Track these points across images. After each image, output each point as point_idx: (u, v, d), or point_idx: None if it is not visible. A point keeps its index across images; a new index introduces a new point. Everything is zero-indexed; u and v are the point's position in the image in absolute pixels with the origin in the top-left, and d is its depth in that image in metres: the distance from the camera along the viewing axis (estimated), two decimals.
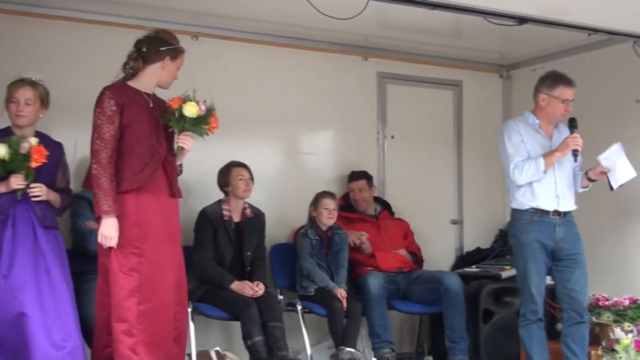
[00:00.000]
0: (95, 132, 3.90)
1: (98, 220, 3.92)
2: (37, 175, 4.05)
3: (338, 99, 6.14)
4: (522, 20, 4.92)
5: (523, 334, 4.82)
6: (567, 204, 4.80)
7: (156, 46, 4.04)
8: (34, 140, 4.02)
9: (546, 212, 4.75)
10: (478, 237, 6.58)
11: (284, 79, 5.90)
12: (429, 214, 6.35)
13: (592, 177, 4.79)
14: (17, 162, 3.96)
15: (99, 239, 3.87)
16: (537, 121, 4.85)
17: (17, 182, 3.99)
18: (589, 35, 5.35)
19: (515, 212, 4.85)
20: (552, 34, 5.40)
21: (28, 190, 4.04)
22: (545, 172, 4.70)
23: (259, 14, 5.43)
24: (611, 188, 4.75)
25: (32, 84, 4.15)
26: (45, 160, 4.04)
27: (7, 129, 4.16)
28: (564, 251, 4.75)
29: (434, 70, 6.51)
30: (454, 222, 6.62)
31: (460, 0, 4.64)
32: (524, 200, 4.77)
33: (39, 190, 4.06)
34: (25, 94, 4.12)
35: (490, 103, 6.77)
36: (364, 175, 5.90)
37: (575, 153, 4.68)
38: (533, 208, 4.75)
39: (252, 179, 5.22)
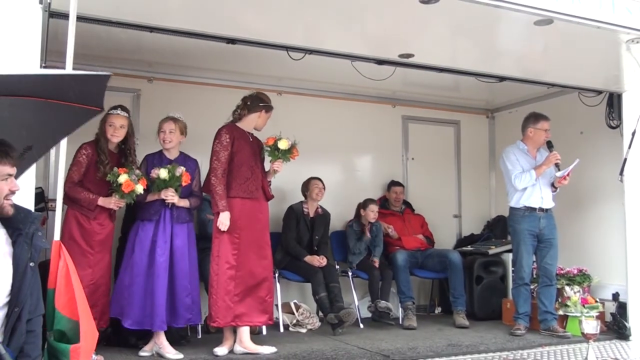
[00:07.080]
0: (214, 155, 4.08)
1: (215, 214, 4.04)
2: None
3: (375, 134, 6.19)
4: (502, 78, 4.98)
5: (514, 293, 4.91)
6: (548, 203, 4.84)
7: (257, 101, 4.24)
8: (181, 168, 4.06)
9: (533, 209, 4.78)
10: (472, 226, 6.51)
11: (339, 121, 5.94)
12: (438, 211, 6.30)
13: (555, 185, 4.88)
14: (172, 182, 4.01)
15: (218, 224, 3.98)
16: (526, 147, 4.92)
17: (169, 194, 4.03)
18: (548, 88, 5.41)
19: (512, 209, 4.89)
20: (522, 87, 5.38)
21: (166, 199, 4.06)
22: (535, 180, 4.78)
23: (322, 77, 5.46)
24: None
25: (174, 119, 4.18)
26: (189, 182, 4.13)
27: (160, 152, 4.22)
28: (545, 236, 4.81)
29: (441, 113, 6.50)
30: (455, 216, 6.57)
31: (459, 66, 4.67)
32: (518, 200, 4.81)
33: (171, 198, 4.03)
34: (169, 126, 4.16)
35: (480, 136, 6.70)
36: (401, 184, 6.00)
37: (557, 165, 4.75)
38: (525, 206, 4.79)
39: (324, 188, 5.35)
